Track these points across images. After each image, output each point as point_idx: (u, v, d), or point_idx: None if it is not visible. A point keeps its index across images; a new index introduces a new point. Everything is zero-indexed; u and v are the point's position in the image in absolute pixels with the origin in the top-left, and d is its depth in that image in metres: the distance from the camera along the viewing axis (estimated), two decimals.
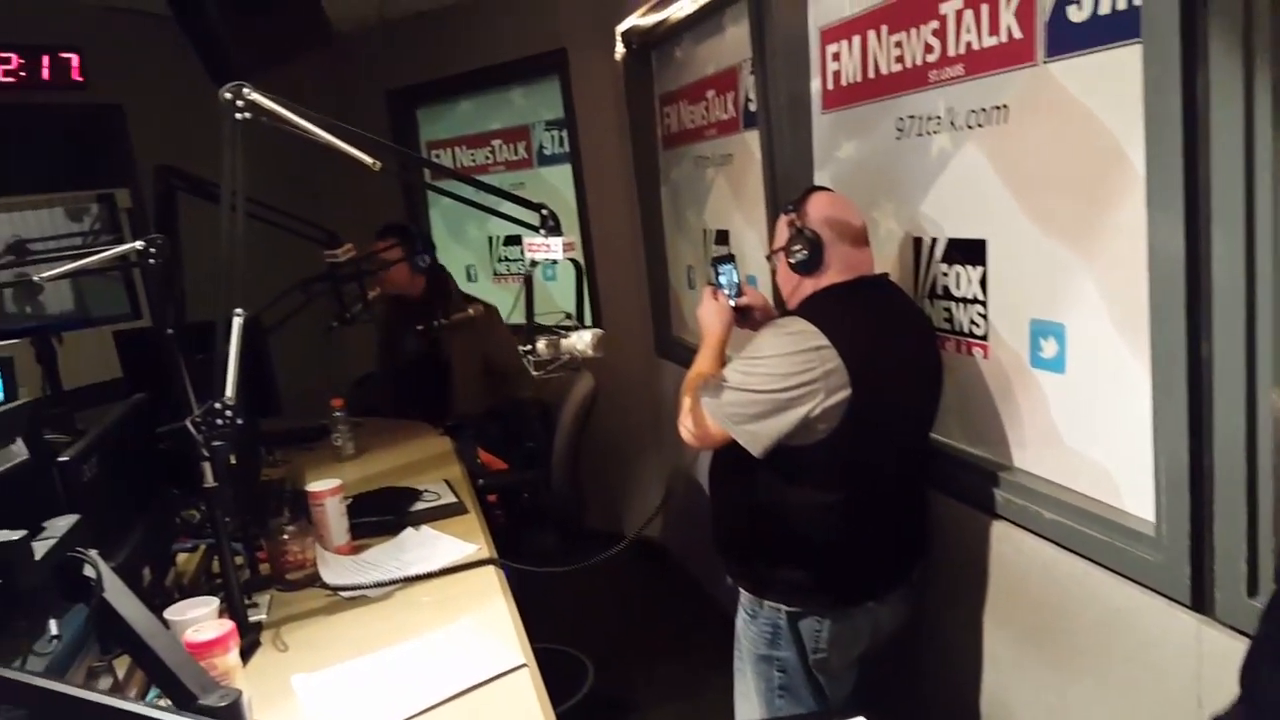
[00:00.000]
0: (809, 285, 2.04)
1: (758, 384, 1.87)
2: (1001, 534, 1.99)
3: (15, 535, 1.14)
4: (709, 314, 2.18)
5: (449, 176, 3.02)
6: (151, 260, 1.93)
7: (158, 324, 2.98)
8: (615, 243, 4.24)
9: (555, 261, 1.97)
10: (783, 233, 2.08)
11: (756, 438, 1.89)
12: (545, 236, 1.95)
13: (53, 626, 1.32)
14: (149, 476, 2.03)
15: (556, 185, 4.60)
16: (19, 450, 1.36)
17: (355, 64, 4.96)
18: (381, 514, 2.42)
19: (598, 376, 3.26)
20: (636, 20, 3.79)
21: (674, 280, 4.08)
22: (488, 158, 4.92)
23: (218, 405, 1.70)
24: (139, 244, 1.93)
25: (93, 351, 3.49)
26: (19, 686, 0.95)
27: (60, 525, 1.30)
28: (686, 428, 1.98)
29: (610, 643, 3.58)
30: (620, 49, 4.04)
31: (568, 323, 2.00)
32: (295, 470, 3.02)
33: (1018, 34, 1.82)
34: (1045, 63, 1.77)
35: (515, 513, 3.19)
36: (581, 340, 1.94)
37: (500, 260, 5.03)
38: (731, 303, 2.20)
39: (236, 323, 1.72)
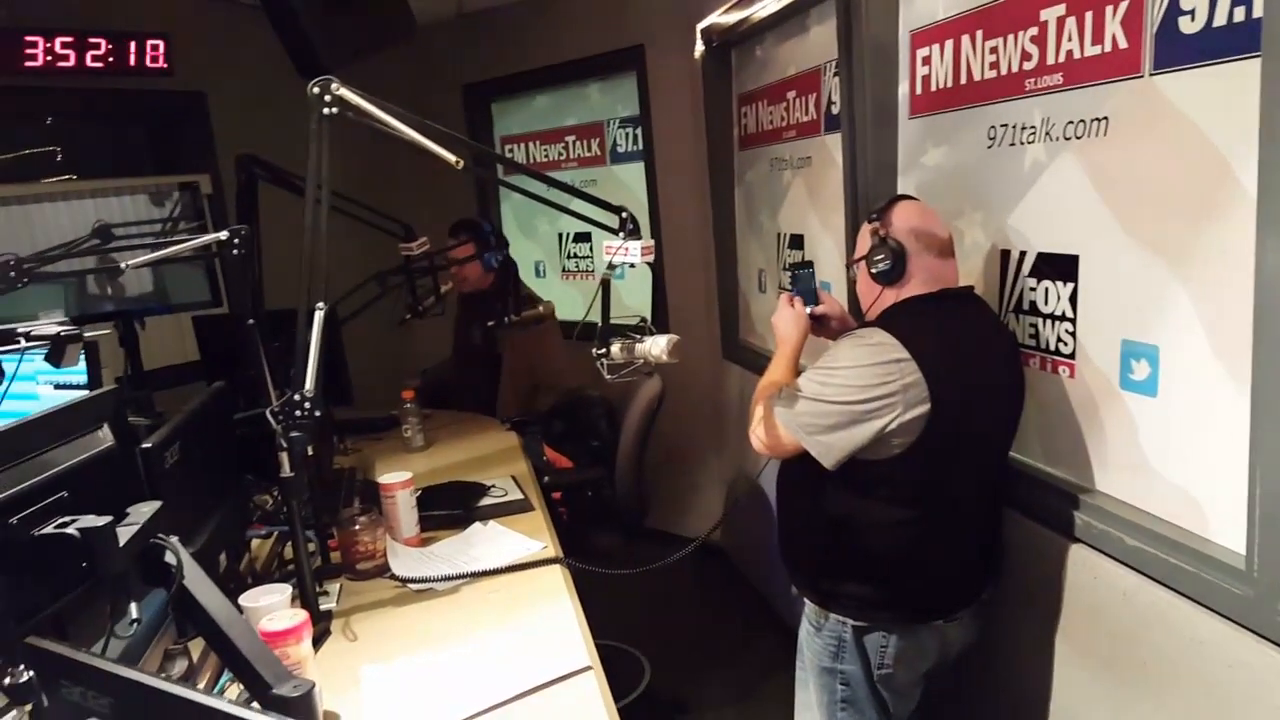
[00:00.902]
0: (890, 296, 2.00)
1: (833, 395, 1.84)
2: (1079, 558, 1.93)
3: (101, 521, 1.16)
4: (785, 321, 2.15)
5: (524, 173, 3.01)
6: (235, 250, 1.96)
7: (236, 311, 3.00)
8: (685, 243, 4.21)
9: (633, 265, 1.95)
10: (865, 241, 2.04)
11: (830, 449, 1.85)
12: (624, 239, 1.93)
13: (133, 610, 1.34)
14: (226, 463, 2.06)
15: (628, 183, 4.59)
16: (105, 436, 1.38)
17: (432, 57, 5.00)
18: (450, 508, 2.43)
19: (663, 377, 3.25)
20: (718, 18, 3.75)
21: (744, 283, 4.04)
22: (561, 154, 4.94)
23: (297, 396, 1.71)
24: (224, 234, 1.95)
25: (168, 335, 3.58)
26: (108, 677, 0.96)
27: (143, 511, 1.32)
28: (758, 436, 1.96)
29: (666, 643, 3.56)
30: (699, 47, 4.00)
31: (643, 327, 1.97)
32: (365, 460, 3.05)
33: (1123, 44, 1.75)
34: (1152, 75, 1.70)
35: (578, 510, 3.19)
36: (657, 345, 1.91)
37: (569, 257, 5.05)
38: (808, 310, 2.17)
39: (318, 316, 1.72)
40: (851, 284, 2.18)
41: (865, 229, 2.05)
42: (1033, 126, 2.02)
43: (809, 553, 2.06)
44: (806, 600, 2.10)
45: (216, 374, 2.10)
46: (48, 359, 1.20)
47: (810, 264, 2.20)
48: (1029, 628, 2.05)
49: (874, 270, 1.99)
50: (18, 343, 1.14)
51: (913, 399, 1.80)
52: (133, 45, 4.02)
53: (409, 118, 1.82)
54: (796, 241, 3.39)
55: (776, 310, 2.18)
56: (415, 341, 4.51)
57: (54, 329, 1.18)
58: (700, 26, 3.92)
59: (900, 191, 2.46)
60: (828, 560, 2.00)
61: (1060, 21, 1.91)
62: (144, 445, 1.51)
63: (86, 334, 1.25)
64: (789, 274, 2.20)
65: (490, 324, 3.21)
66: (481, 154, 3.55)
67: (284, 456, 1.80)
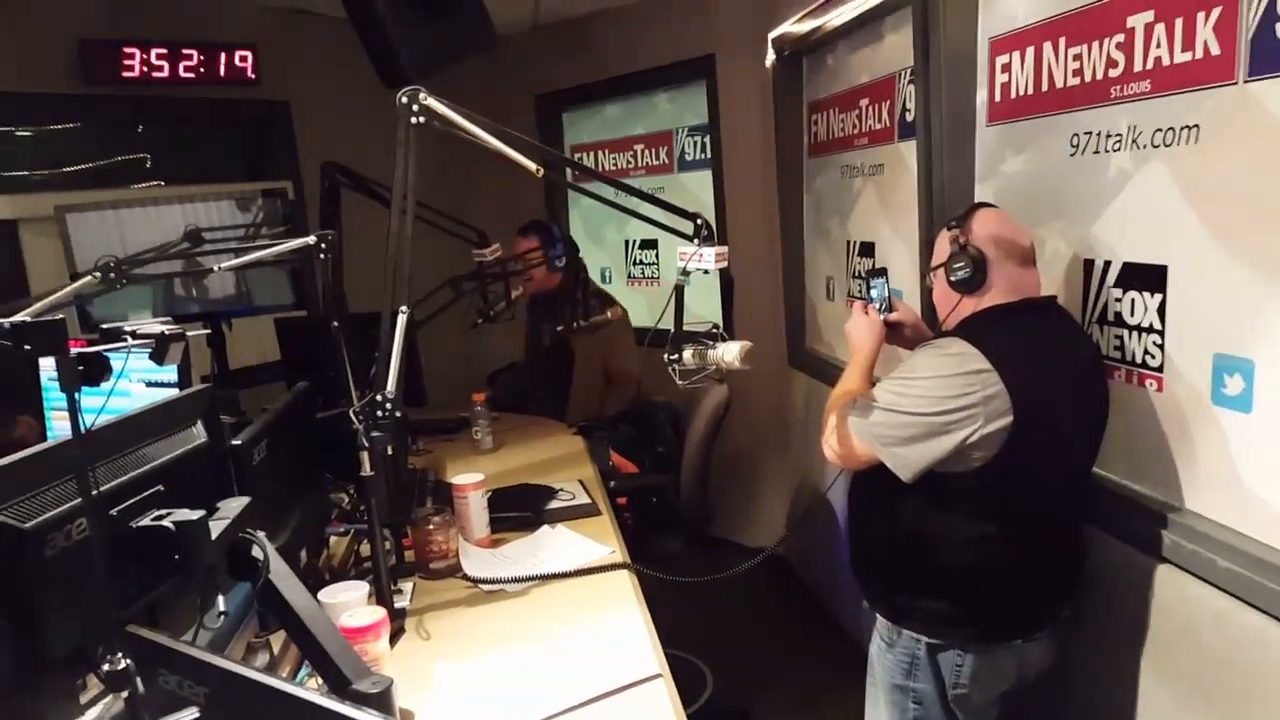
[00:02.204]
0: (969, 305, 1.97)
1: (911, 405, 1.81)
2: (1166, 579, 1.87)
3: (195, 515, 1.20)
4: (859, 329, 2.13)
5: (597, 178, 3.04)
6: (322, 255, 2.01)
7: (317, 313, 3.09)
8: (752, 249, 4.19)
9: (706, 271, 1.95)
10: (944, 248, 2.01)
11: (906, 462, 1.82)
12: (699, 245, 1.93)
13: (220, 602, 1.39)
14: (309, 462, 2.11)
15: (695, 191, 4.60)
16: (198, 433, 1.43)
17: (505, 66, 5.07)
18: (520, 510, 2.45)
19: (730, 384, 3.24)
20: (789, 27, 3.74)
21: (811, 291, 4.01)
22: (629, 162, 4.97)
23: (379, 398, 1.75)
24: (311, 238, 2.00)
25: (249, 336, 3.67)
26: (206, 667, 0.99)
27: (233, 506, 1.37)
28: (830, 446, 1.93)
29: (729, 653, 3.54)
30: (770, 55, 4.00)
31: (715, 333, 1.96)
32: (437, 460, 3.10)
33: (1215, 51, 1.71)
34: (1246, 82, 1.65)
35: (643, 515, 3.20)
36: (729, 352, 1.91)
37: (635, 264, 5.07)
38: (882, 318, 2.15)
39: (401, 320, 1.76)
40: (927, 293, 2.15)
41: (944, 236, 2.03)
42: (1119, 134, 1.97)
43: (882, 567, 2.03)
44: (878, 615, 2.06)
45: (297, 375, 2.15)
46: (151, 357, 1.24)
47: (884, 271, 2.18)
48: (1112, 650, 2.00)
49: (953, 278, 1.96)
50: (124, 341, 1.18)
51: (994, 411, 1.76)
52: (222, 56, 4.16)
53: (491, 126, 1.85)
54: (867, 249, 3.35)
55: (850, 318, 2.16)
56: (486, 345, 4.56)
57: (158, 328, 1.23)
58: (772, 36, 3.92)
59: (978, 199, 2.42)
60: (902, 575, 1.97)
61: (1149, 28, 1.87)
62: (234, 442, 1.56)
63: (189, 333, 1.30)
64: (861, 281, 2.18)
65: (559, 328, 3.24)
66: (556, 160, 3.61)
67: (365, 456, 1.83)
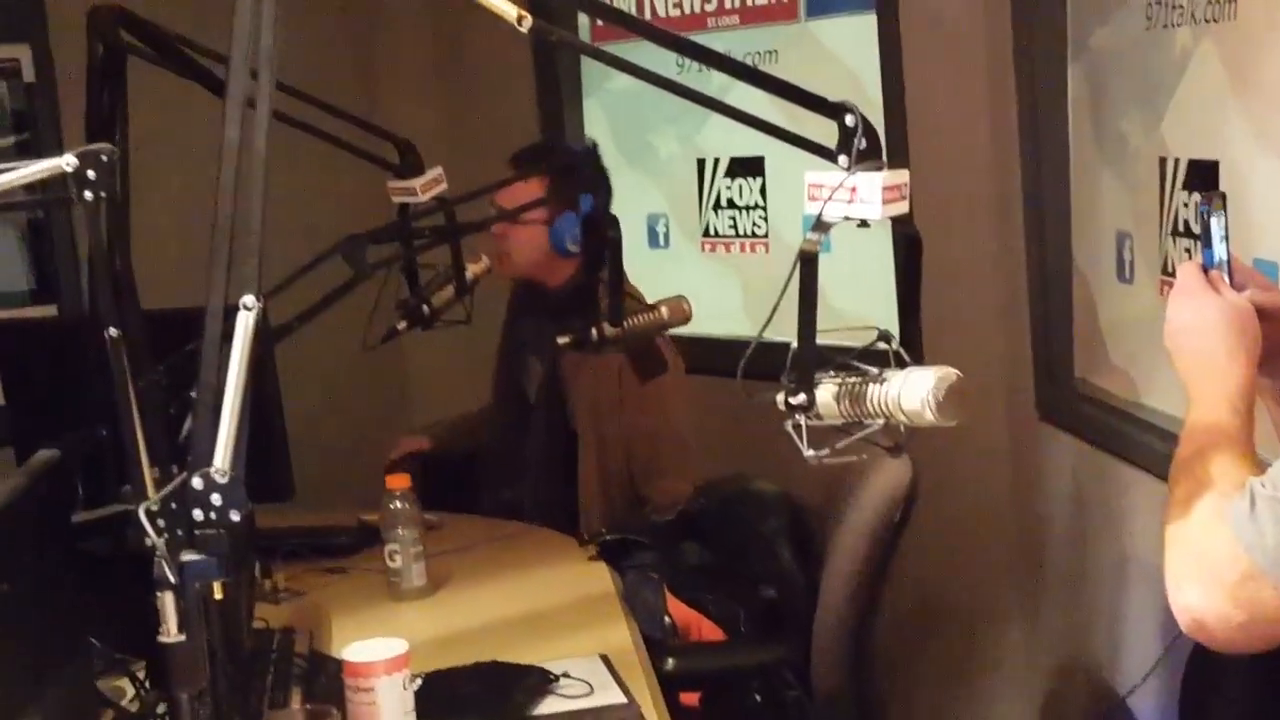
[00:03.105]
0: None
1: None
2: None
3: None
4: (1203, 319, 1.18)
5: (641, 34, 1.83)
6: (90, 194, 1.24)
7: (78, 311, 2.34)
8: (959, 180, 2.50)
9: (864, 223, 1.18)
10: None
11: None
12: (851, 168, 1.15)
13: None
14: (58, 614, 1.49)
15: (842, 57, 2.79)
16: None
17: None
18: (480, 713, 1.62)
19: (915, 455, 2.02)
20: None
21: (1085, 263, 2.41)
22: (704, 1, 3.08)
23: (198, 482, 1.18)
24: (67, 159, 1.24)
25: None
26: None
27: None
28: (1190, 596, 0.98)
29: None
30: None
31: (882, 350, 1.21)
32: (314, 611, 2.13)
33: None
34: None
35: None
36: (914, 392, 1.12)
37: (718, 206, 3.11)
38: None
39: (245, 321, 1.17)
40: None
41: None
42: None
43: None
44: None
45: (32, 435, 1.65)
46: None
47: (1223, 198, 1.28)
48: None
49: None
50: None
51: None
52: None
53: None
54: (1202, 174, 2.02)
55: (1173, 299, 1.22)
56: (415, 371, 3.19)
57: None
58: None
59: None
60: None
61: None
62: None
63: None
64: (1199, 223, 1.26)
65: (563, 341, 2.15)
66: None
67: (166, 602, 1.21)
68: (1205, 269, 1.15)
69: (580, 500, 2.39)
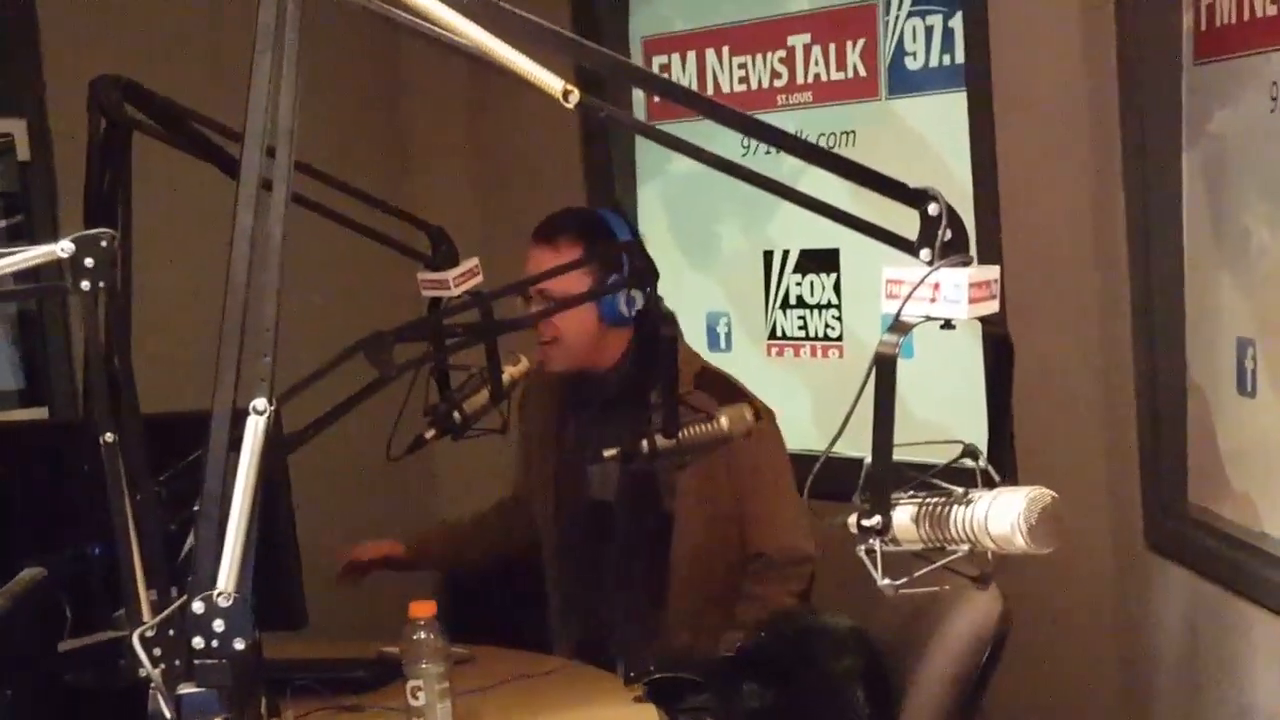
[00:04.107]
0: None
1: None
2: None
3: None
4: None
5: (701, 111, 1.70)
6: (85, 282, 1.21)
7: (70, 414, 2.28)
8: (1056, 277, 2.40)
9: (948, 324, 1.14)
10: None
11: None
12: (934, 263, 1.13)
13: None
14: None
15: (926, 135, 2.68)
16: None
17: None
18: None
19: (1006, 589, 1.85)
20: None
21: (1197, 372, 2.27)
22: (778, 73, 2.94)
23: (199, 606, 1.16)
24: (63, 245, 1.20)
25: None
26: None
27: None
28: None
29: None
30: None
31: (969, 466, 1.18)
32: None
33: None
34: None
35: None
36: (1002, 516, 1.08)
37: (786, 305, 2.96)
38: None
39: (255, 427, 1.14)
40: None
41: None
42: None
43: None
44: None
45: (18, 549, 1.58)
46: None
47: None
48: None
49: None
50: None
51: None
52: None
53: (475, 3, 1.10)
54: None
55: None
56: (445, 486, 3.08)
57: None
58: None
59: None
60: None
61: None
62: None
63: None
64: None
65: (609, 454, 1.96)
66: (611, 70, 1.59)
67: None
68: None
69: (671, 585, 2.21)
